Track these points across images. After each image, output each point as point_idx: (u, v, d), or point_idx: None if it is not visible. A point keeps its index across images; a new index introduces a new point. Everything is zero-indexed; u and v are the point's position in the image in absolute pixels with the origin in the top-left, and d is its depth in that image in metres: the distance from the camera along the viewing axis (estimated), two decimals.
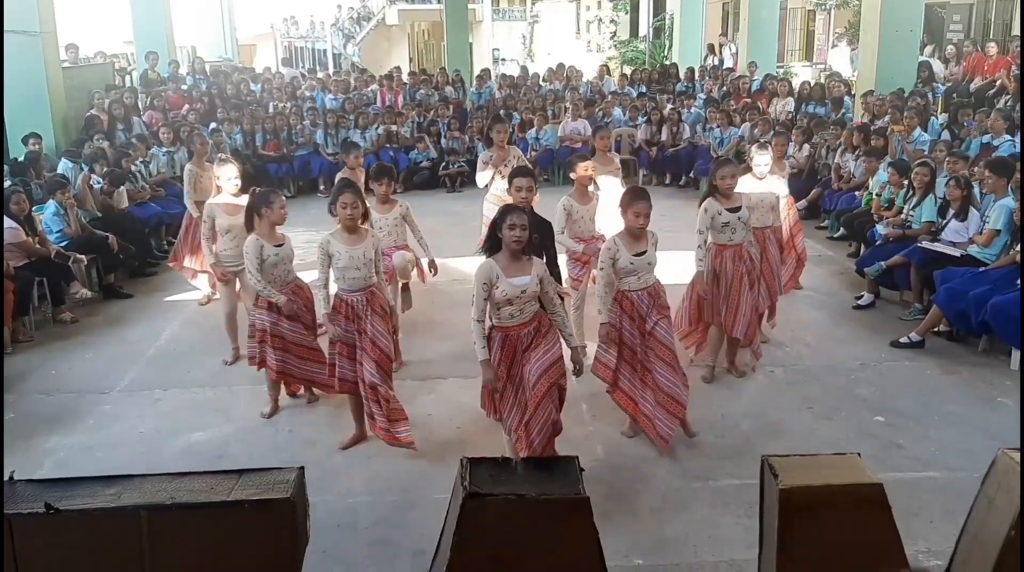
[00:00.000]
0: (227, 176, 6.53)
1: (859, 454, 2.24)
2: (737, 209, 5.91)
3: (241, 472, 1.99)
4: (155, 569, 1.77)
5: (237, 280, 6.59)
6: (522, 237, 4.38)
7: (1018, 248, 6.48)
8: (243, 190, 6.51)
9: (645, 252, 5.07)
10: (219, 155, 7.44)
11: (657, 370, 5.10)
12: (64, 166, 9.59)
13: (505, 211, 4.48)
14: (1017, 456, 2.11)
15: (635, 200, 5.02)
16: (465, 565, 1.80)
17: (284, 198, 5.63)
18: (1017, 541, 1.92)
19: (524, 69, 18.90)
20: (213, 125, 12.90)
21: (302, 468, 2.07)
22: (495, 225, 4.45)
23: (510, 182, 5.92)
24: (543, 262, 4.63)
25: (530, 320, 4.53)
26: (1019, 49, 11.92)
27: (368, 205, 5.49)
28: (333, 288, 5.24)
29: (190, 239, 7.90)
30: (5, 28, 9.07)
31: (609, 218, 6.53)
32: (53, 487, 1.91)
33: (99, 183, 9.17)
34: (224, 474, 2.00)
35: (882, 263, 7.46)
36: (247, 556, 1.86)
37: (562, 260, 6.32)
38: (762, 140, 10.01)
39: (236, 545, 1.86)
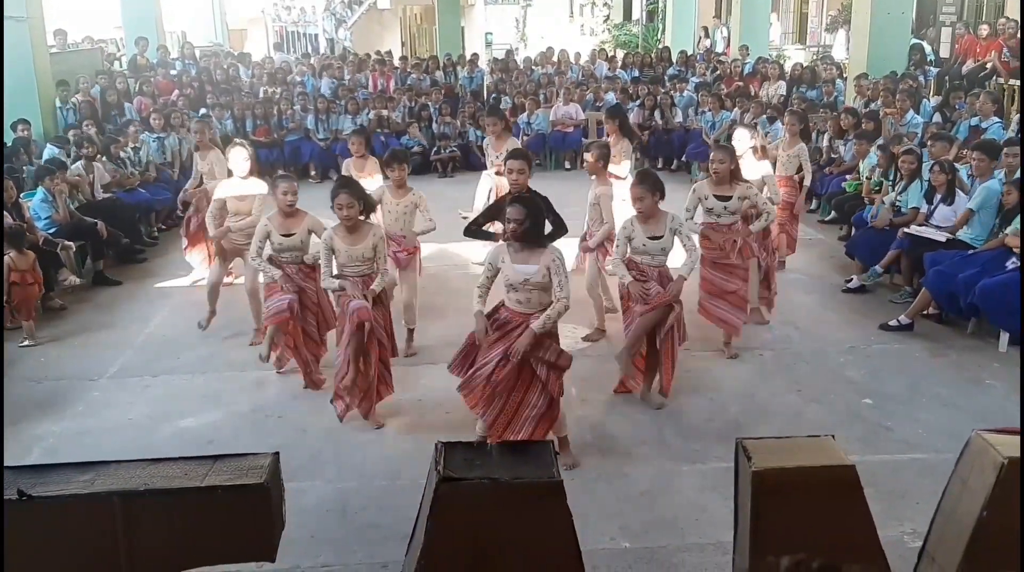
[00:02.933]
0: (238, 158, 6.60)
1: (833, 436, 2.25)
2: (727, 198, 5.98)
3: (216, 458, 1.99)
4: (129, 555, 1.77)
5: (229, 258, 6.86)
6: (515, 230, 4.47)
7: (1006, 231, 6.49)
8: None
9: (660, 237, 5.23)
10: (235, 140, 7.44)
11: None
12: (50, 152, 9.53)
13: (508, 204, 4.56)
14: (991, 437, 2.13)
15: (635, 184, 5.25)
16: (440, 549, 1.81)
17: (293, 184, 5.70)
18: (989, 522, 1.93)
19: (508, 54, 18.65)
20: (203, 111, 12.83)
21: (276, 453, 2.07)
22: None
23: (505, 165, 6.03)
24: (556, 250, 4.59)
25: (537, 313, 4.54)
26: (1010, 30, 11.88)
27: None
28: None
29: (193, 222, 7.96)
30: None
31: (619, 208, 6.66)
32: (27, 473, 1.90)
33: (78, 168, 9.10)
34: (198, 460, 2.00)
35: (877, 268, 7.49)
36: (221, 541, 1.86)
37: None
38: (753, 122, 10.14)
39: (210, 530, 1.86)
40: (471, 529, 1.79)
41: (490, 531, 1.79)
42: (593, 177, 6.63)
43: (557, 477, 1.83)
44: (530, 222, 4.46)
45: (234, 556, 1.92)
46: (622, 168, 7.60)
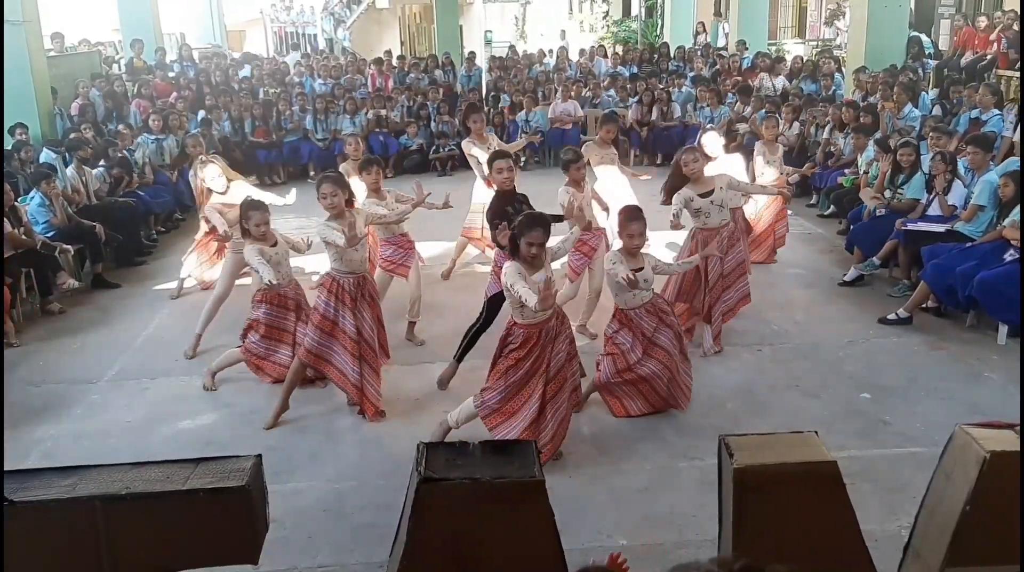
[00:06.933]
0: (211, 176, 6.66)
1: (816, 432, 2.24)
2: (710, 193, 6.00)
3: (198, 461, 1.99)
4: (111, 559, 1.77)
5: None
6: (539, 253, 4.54)
7: (1004, 223, 6.47)
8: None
9: (642, 269, 5.14)
10: (199, 158, 7.41)
11: (656, 378, 5.22)
12: (46, 156, 9.53)
13: (526, 225, 4.52)
14: (974, 431, 2.12)
15: (629, 221, 5.13)
16: (421, 549, 1.80)
17: (265, 213, 5.55)
18: (972, 516, 1.93)
19: (512, 48, 18.64)
20: (202, 113, 12.83)
21: (259, 456, 2.07)
22: (515, 236, 4.56)
23: (490, 166, 6.01)
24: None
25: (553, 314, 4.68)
26: (1007, 22, 11.85)
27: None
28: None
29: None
30: None
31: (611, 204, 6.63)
32: (9, 479, 1.90)
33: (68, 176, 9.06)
34: (181, 463, 2.00)
35: (875, 259, 7.50)
36: (203, 544, 1.86)
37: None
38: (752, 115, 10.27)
39: (192, 534, 1.86)
40: (453, 529, 1.78)
41: (471, 531, 1.78)
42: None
43: (539, 476, 1.82)
44: (546, 242, 4.56)
45: (216, 559, 1.91)
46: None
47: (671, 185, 6.11)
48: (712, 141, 7.41)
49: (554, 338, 4.69)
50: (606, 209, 6.92)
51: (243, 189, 6.89)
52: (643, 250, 5.28)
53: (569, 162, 6.35)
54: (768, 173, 8.01)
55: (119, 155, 10.02)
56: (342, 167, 7.86)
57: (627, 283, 4.91)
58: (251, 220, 5.46)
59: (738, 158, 7.65)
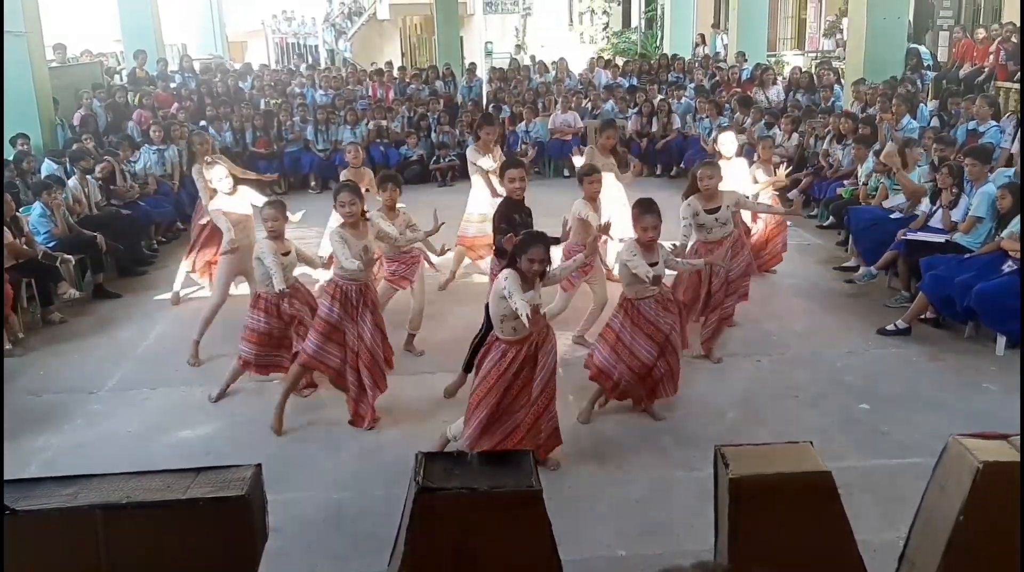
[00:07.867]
0: (218, 177, 6.71)
1: (812, 442, 2.26)
2: (716, 210, 6.04)
3: (198, 470, 2.00)
4: (112, 568, 1.79)
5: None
6: (540, 270, 4.49)
7: (1002, 234, 6.50)
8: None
9: (656, 264, 5.16)
10: (206, 158, 7.44)
11: (656, 370, 5.28)
12: (48, 167, 9.57)
13: (529, 242, 4.50)
14: (968, 442, 2.13)
15: (643, 214, 5.16)
16: (419, 559, 1.82)
17: (274, 211, 5.59)
18: (966, 526, 1.94)
19: (515, 61, 18.78)
20: (203, 123, 12.87)
21: (259, 465, 2.08)
22: (515, 251, 4.53)
23: (501, 175, 6.05)
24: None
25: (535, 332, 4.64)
26: (1006, 34, 11.90)
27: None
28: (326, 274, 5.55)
29: (202, 235, 7.88)
30: None
31: (608, 213, 6.64)
32: (11, 488, 1.92)
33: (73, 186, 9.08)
34: (181, 472, 2.01)
35: (872, 269, 7.53)
36: (203, 554, 1.87)
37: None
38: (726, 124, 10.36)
39: (192, 543, 1.87)
40: (450, 539, 1.80)
41: (469, 541, 1.79)
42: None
43: (536, 486, 1.83)
44: (549, 259, 4.55)
45: (216, 568, 1.92)
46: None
47: (688, 193, 6.24)
48: (728, 141, 7.48)
49: (536, 349, 4.63)
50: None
51: (249, 195, 6.92)
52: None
53: (583, 175, 6.36)
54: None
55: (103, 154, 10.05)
56: (343, 175, 7.89)
57: (650, 282, 4.97)
58: (261, 214, 5.63)
59: (743, 162, 7.74)
